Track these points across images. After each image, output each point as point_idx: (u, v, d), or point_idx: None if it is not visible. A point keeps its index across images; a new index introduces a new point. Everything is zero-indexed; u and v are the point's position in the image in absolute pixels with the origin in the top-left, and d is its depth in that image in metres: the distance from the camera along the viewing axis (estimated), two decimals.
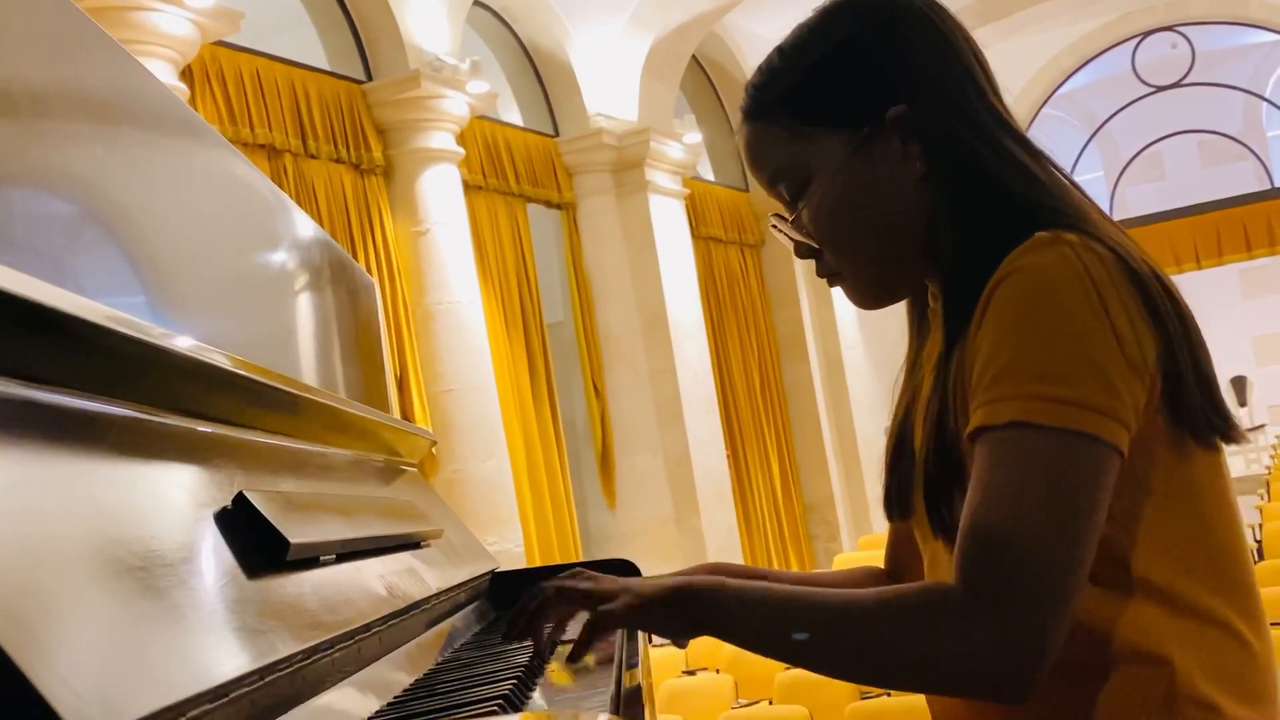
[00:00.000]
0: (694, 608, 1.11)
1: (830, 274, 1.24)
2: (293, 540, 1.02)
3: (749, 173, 1.27)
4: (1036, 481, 1.01)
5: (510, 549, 6.77)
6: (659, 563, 7.97)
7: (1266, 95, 16.14)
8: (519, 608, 1.21)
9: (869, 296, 1.24)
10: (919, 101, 1.16)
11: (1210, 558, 1.09)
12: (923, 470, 1.14)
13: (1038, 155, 1.18)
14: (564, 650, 1.48)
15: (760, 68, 1.25)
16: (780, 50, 1.24)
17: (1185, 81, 14.92)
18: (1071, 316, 1.03)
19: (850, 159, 1.17)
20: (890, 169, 1.17)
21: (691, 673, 5.69)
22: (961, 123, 1.16)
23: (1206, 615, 1.07)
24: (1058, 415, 1.01)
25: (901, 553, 1.37)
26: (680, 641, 1.18)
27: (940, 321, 1.18)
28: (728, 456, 9.42)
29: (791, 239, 1.24)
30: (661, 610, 1.12)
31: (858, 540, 10.40)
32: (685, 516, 8.70)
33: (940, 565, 1.17)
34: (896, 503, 1.25)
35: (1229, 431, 1.10)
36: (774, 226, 1.26)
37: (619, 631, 1.50)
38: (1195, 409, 1.07)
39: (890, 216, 1.18)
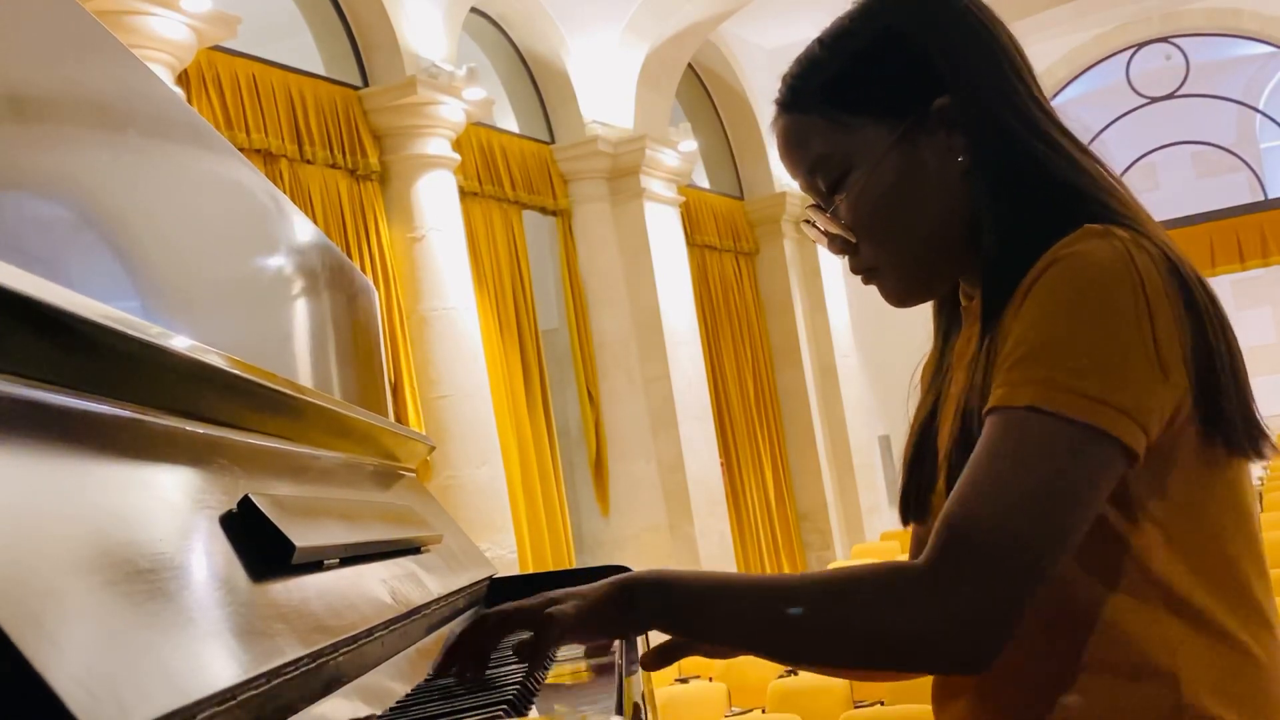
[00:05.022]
0: (648, 597, 1.10)
1: (866, 269, 1.21)
2: (298, 544, 1.02)
3: (784, 166, 1.25)
4: (1035, 468, 1.00)
5: (504, 555, 6.76)
6: None
7: (1260, 107, 16.19)
8: (459, 641, 1.18)
9: (905, 292, 1.22)
10: (964, 92, 1.15)
11: (1225, 570, 1.08)
12: (945, 471, 1.13)
13: (1085, 150, 1.17)
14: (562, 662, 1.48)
15: (799, 58, 1.23)
16: (820, 41, 1.22)
17: (1179, 93, 14.96)
18: (1112, 310, 1.02)
19: (893, 149, 1.16)
20: (935, 160, 1.16)
21: (684, 680, 5.68)
22: (1008, 112, 1.15)
23: (1218, 628, 1.06)
24: (1076, 407, 1.00)
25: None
26: (647, 661, 1.17)
27: (974, 318, 1.16)
28: (721, 464, 9.42)
29: (827, 232, 1.21)
30: (613, 607, 1.10)
31: (851, 549, 10.40)
32: (678, 524, 8.70)
33: None
34: (914, 505, 1.23)
35: (1261, 444, 1.09)
36: (808, 221, 1.23)
37: (617, 640, 1.49)
38: (1232, 417, 1.06)
39: (933, 208, 1.17)
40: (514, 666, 1.33)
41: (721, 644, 1.15)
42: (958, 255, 1.18)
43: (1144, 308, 1.02)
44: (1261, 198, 15.07)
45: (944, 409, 1.20)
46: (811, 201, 1.23)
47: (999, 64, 1.17)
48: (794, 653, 1.12)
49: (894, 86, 1.17)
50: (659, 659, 1.22)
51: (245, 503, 1.02)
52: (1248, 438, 1.08)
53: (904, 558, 1.36)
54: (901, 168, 1.16)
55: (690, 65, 10.04)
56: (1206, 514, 1.07)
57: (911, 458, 1.24)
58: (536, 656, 1.12)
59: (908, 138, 1.16)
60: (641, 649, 1.52)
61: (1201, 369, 1.04)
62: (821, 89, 1.19)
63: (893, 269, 1.20)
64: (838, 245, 1.22)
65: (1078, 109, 15.39)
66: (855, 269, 1.23)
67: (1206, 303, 1.06)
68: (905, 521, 1.27)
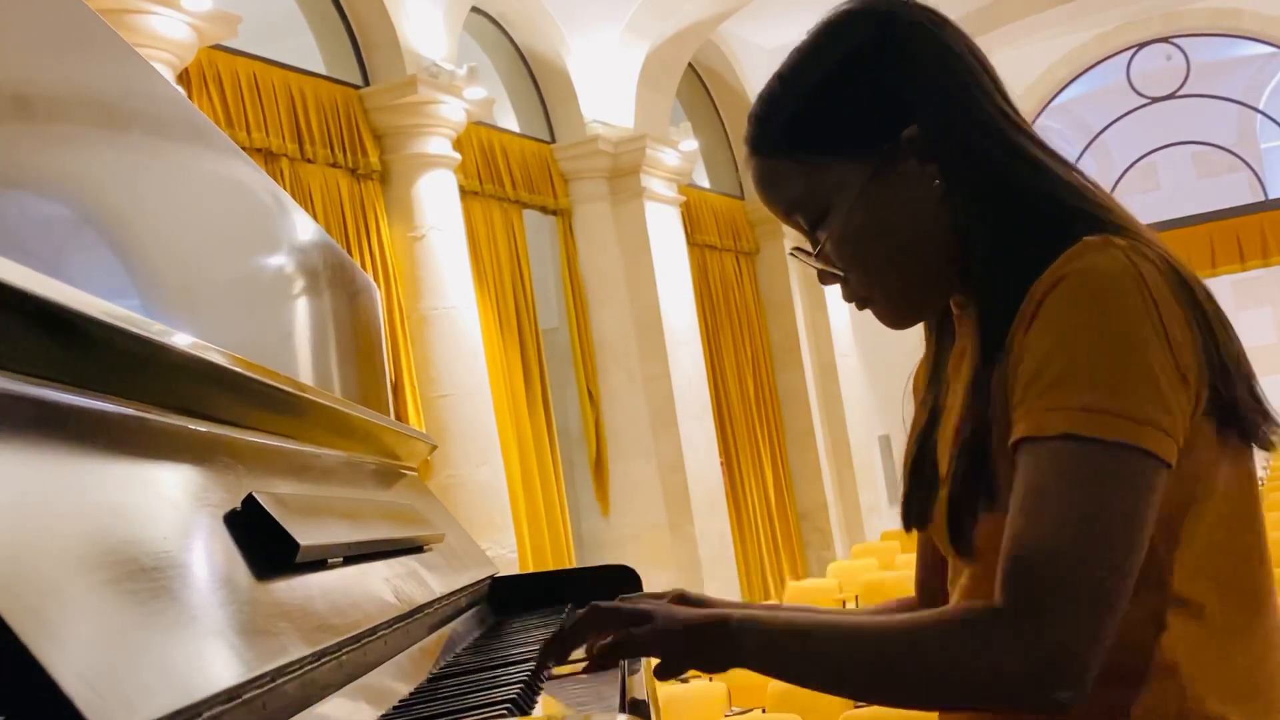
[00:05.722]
0: (725, 643, 1.09)
1: (859, 298, 1.20)
2: (302, 542, 1.02)
3: (763, 203, 1.24)
4: (1085, 496, 0.99)
5: (504, 554, 6.76)
6: (652, 569, 7.97)
7: (1260, 107, 16.19)
8: (559, 631, 1.17)
9: (901, 317, 1.21)
10: (929, 118, 1.13)
11: (1232, 568, 1.07)
12: (949, 486, 1.12)
13: (1062, 159, 1.16)
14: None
15: (761, 96, 1.20)
16: (780, 77, 1.19)
17: (1180, 93, 14.96)
18: (1128, 324, 1.01)
19: (868, 186, 1.14)
20: (910, 190, 1.14)
21: (684, 680, 5.68)
22: (978, 133, 1.13)
23: (1224, 626, 1.06)
24: (1110, 428, 0.99)
25: (929, 559, 1.34)
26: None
27: (969, 329, 1.16)
28: (721, 464, 9.42)
29: (814, 267, 1.20)
30: (691, 642, 1.10)
31: (851, 548, 10.40)
32: (679, 523, 8.70)
33: (963, 574, 1.16)
34: (916, 513, 1.22)
35: (1273, 426, 1.09)
36: (794, 256, 1.23)
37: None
38: (1245, 412, 1.06)
39: (915, 237, 1.15)
40: (515, 665, 1.33)
41: (806, 687, 1.15)
42: (947, 276, 1.17)
43: (1156, 316, 1.01)
44: (1262, 198, 15.08)
45: (943, 420, 1.19)
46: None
47: (964, 84, 1.14)
48: (883, 699, 1.12)
49: (858, 120, 1.15)
50: (668, 670, 1.21)
51: (249, 501, 1.02)
52: (1264, 421, 1.08)
53: (908, 560, 1.35)
54: (878, 202, 1.14)
55: (690, 65, 10.04)
56: (1214, 512, 1.07)
57: (912, 467, 1.23)
58: (609, 660, 1.13)
59: (881, 172, 1.14)
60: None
61: (1213, 366, 1.04)
62: (785, 131, 1.17)
63: (884, 297, 1.19)
64: (827, 278, 1.21)
65: (1078, 109, 15.40)
66: (849, 298, 1.22)
67: (1207, 300, 1.06)
68: (908, 528, 1.26)
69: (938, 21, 1.17)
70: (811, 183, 1.16)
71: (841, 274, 1.19)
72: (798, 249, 1.22)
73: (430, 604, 1.48)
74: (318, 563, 1.11)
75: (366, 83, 6.89)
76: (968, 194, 1.13)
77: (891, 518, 11.12)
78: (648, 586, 1.80)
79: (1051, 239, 1.06)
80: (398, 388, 6.46)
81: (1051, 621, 0.98)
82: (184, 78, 5.59)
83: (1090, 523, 0.99)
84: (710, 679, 5.46)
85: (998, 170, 1.12)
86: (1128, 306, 1.01)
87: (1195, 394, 1.03)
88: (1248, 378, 1.08)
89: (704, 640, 1.09)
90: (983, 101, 1.15)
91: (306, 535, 1.05)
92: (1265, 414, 1.08)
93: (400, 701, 1.18)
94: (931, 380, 1.25)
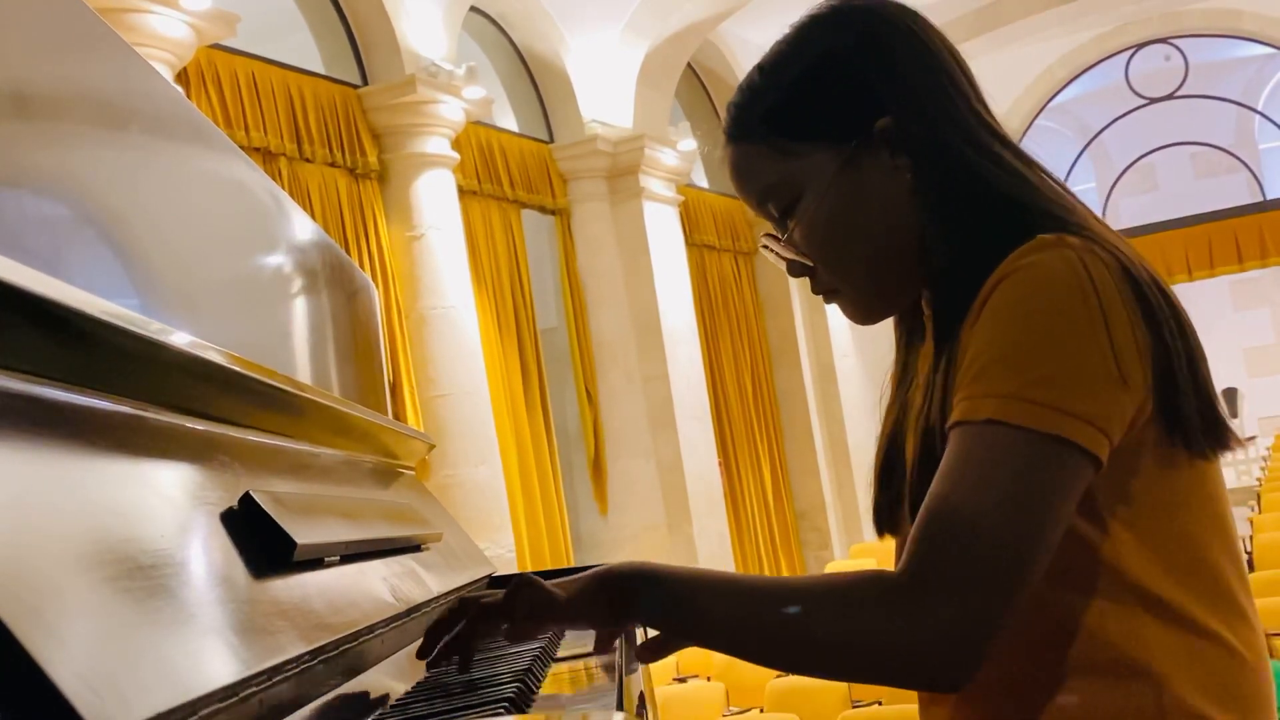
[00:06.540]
0: (620, 592, 1.10)
1: (826, 290, 1.22)
2: (299, 541, 1.02)
3: (736, 193, 1.26)
4: (1001, 479, 1.00)
5: (502, 554, 6.76)
6: None
7: (1259, 108, 16.20)
8: (442, 630, 1.17)
9: (866, 310, 1.23)
10: (905, 112, 1.15)
11: (1199, 568, 1.08)
12: (911, 485, 1.12)
13: (1030, 161, 1.17)
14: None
15: (741, 86, 1.23)
16: (760, 68, 1.22)
17: (1178, 94, 14.97)
18: (1067, 320, 1.02)
19: (840, 174, 1.16)
20: (881, 181, 1.16)
21: (683, 680, 5.68)
22: (950, 130, 1.15)
23: (1197, 627, 1.06)
24: (1036, 417, 1.00)
25: None
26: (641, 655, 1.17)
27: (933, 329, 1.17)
28: (719, 464, 9.42)
29: (784, 258, 1.22)
30: (587, 599, 1.11)
31: (849, 548, 10.41)
32: (677, 523, 8.70)
33: None
34: (887, 517, 1.23)
35: (1224, 440, 1.09)
36: (765, 246, 1.24)
37: (619, 639, 1.49)
38: (1189, 419, 1.06)
39: (883, 229, 1.17)
40: (513, 665, 1.33)
41: (701, 644, 1.15)
42: (914, 271, 1.18)
43: (1099, 315, 1.02)
44: (1260, 198, 15.09)
45: (909, 423, 1.20)
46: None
47: (938, 80, 1.17)
48: (772, 659, 1.12)
49: (836, 110, 1.17)
50: (653, 651, 1.22)
51: (246, 499, 1.02)
52: (1206, 434, 1.08)
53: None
54: (849, 191, 1.16)
55: (690, 65, 10.04)
56: (1175, 514, 1.08)
57: (881, 470, 1.24)
58: (518, 638, 1.13)
59: (853, 161, 1.16)
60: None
61: (1159, 371, 1.05)
62: (764, 117, 1.19)
63: (851, 290, 1.21)
64: (796, 269, 1.22)
65: (1077, 109, 15.41)
66: (816, 290, 1.23)
67: (1162, 305, 1.06)
68: (880, 533, 1.26)
69: (918, 22, 1.20)
70: (786, 169, 1.18)
71: (810, 264, 1.20)
72: (768, 235, 1.23)
73: (428, 603, 1.48)
74: (315, 561, 1.11)
75: (365, 82, 6.89)
76: (934, 188, 1.14)
77: None
78: None
79: (1011, 237, 1.07)
80: (396, 387, 6.46)
81: (945, 601, 0.99)
82: (183, 77, 5.59)
83: (1001, 507, 0.99)
84: (708, 679, 5.46)
85: (965, 166, 1.14)
86: (1068, 303, 1.02)
87: (1138, 398, 1.03)
88: (1200, 386, 1.07)
89: (607, 594, 1.10)
90: (956, 99, 1.17)
91: (304, 534, 1.05)
92: (1212, 424, 1.08)
93: (397, 700, 1.18)
94: (901, 383, 1.26)
